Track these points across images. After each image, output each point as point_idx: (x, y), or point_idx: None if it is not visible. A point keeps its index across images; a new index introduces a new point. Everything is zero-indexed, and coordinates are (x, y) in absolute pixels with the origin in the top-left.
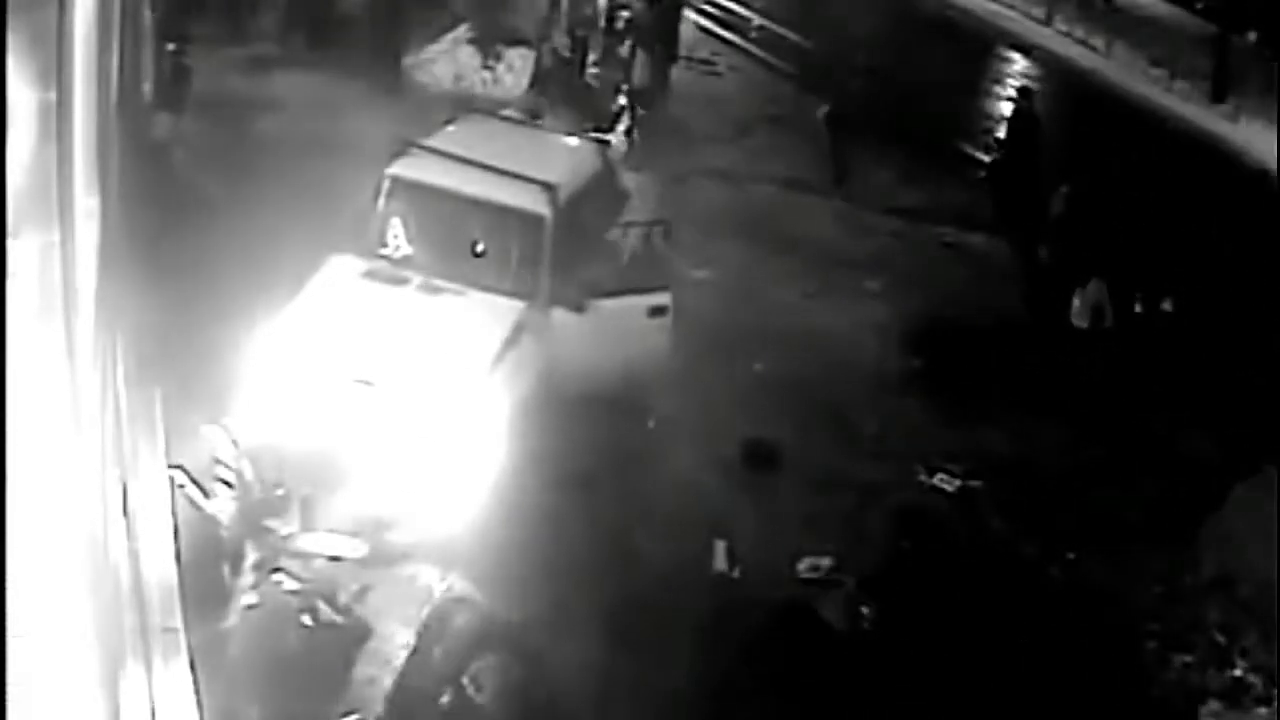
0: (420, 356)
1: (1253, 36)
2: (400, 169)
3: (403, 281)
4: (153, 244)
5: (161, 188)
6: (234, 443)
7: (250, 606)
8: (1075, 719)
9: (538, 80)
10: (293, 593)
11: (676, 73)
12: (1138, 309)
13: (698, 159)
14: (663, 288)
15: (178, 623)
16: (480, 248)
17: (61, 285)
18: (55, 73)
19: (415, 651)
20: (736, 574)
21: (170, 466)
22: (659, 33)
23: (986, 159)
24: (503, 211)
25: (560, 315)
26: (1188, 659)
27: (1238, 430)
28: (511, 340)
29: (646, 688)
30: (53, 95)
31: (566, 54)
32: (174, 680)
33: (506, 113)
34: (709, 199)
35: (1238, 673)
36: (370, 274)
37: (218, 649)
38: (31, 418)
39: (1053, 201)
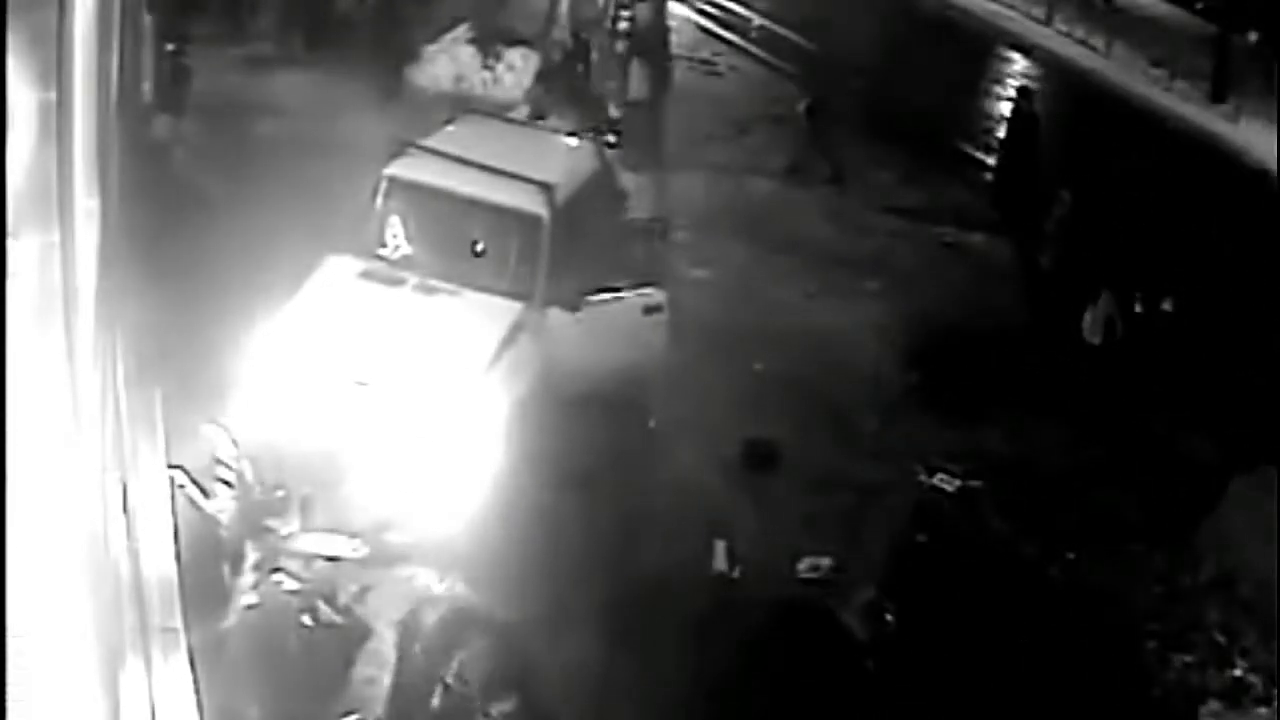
0: (418, 357)
1: (1253, 36)
2: (398, 169)
3: (400, 282)
4: (153, 244)
5: (161, 188)
6: (234, 443)
7: (250, 606)
8: (1076, 719)
9: (541, 79)
10: (293, 593)
11: (677, 73)
12: (1138, 309)
13: (698, 159)
14: (657, 285)
15: (178, 622)
16: (480, 247)
17: (61, 285)
18: (55, 73)
19: (400, 652)
20: (736, 574)
21: (170, 466)
22: (659, 34)
23: (990, 160)
24: (500, 212)
25: (557, 315)
26: (1188, 659)
27: (1237, 430)
28: (509, 340)
29: (646, 688)
30: (53, 95)
31: (568, 54)
32: (174, 680)
33: (512, 114)
34: (709, 199)
35: (1238, 673)
36: (368, 274)
37: (217, 649)
38: (31, 418)
39: (1053, 203)
